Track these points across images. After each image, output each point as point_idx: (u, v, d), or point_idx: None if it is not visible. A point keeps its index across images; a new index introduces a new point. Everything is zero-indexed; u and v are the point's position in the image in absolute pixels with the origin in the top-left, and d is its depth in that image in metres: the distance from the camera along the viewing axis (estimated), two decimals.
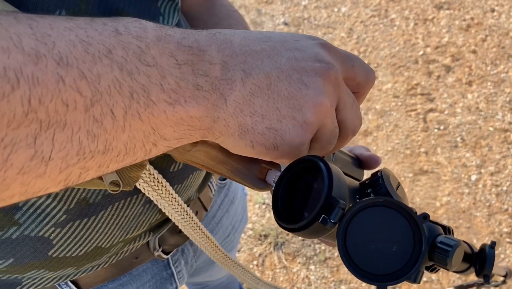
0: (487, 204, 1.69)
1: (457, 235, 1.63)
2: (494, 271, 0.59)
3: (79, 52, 0.23)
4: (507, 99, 1.98)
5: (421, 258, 0.33)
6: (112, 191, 0.36)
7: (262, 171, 0.43)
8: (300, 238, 1.66)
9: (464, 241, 0.49)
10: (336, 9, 2.40)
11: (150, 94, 0.25)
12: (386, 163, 1.82)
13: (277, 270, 1.58)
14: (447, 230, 0.44)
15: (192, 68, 0.28)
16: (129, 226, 0.45)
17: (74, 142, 0.23)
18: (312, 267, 1.58)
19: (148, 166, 0.42)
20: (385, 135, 1.91)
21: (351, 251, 0.32)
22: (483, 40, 2.18)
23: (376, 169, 0.42)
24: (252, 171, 0.43)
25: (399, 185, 0.38)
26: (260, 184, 0.44)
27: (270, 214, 1.71)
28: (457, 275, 1.54)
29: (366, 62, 2.19)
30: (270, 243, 1.63)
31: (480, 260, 0.47)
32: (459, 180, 1.76)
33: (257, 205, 1.75)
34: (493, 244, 0.47)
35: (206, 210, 0.59)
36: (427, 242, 0.39)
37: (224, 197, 0.67)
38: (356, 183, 0.38)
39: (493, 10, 2.29)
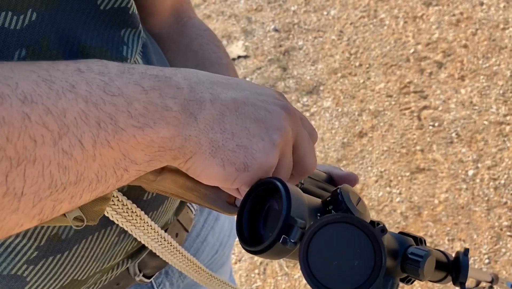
0: (486, 198, 1.69)
1: (456, 232, 1.63)
2: (479, 277, 0.59)
3: (42, 89, 0.24)
4: (501, 91, 1.98)
5: (382, 270, 0.33)
6: (76, 226, 0.36)
7: (231, 196, 0.44)
8: None
9: (439, 250, 0.49)
10: (325, 12, 2.41)
11: (118, 121, 0.27)
12: (382, 163, 1.83)
13: (279, 278, 1.58)
14: (419, 241, 0.45)
15: (159, 92, 0.29)
16: (105, 257, 0.46)
17: (46, 176, 0.24)
18: None
19: (121, 197, 0.43)
20: (380, 136, 1.91)
21: (314, 269, 0.32)
22: (474, 34, 2.18)
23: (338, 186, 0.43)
24: (221, 196, 0.44)
25: (359, 200, 0.38)
26: (230, 208, 0.44)
27: None
28: None
29: (357, 63, 2.20)
30: None
31: (456, 268, 0.47)
32: (456, 176, 1.76)
33: None
34: (466, 251, 0.48)
35: (187, 231, 0.59)
36: (387, 254, 0.40)
37: (207, 214, 0.68)
38: (318, 201, 0.38)
39: (482, 4, 2.29)
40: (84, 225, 0.37)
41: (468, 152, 1.81)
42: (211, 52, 0.61)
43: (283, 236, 0.33)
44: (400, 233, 0.45)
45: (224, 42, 2.38)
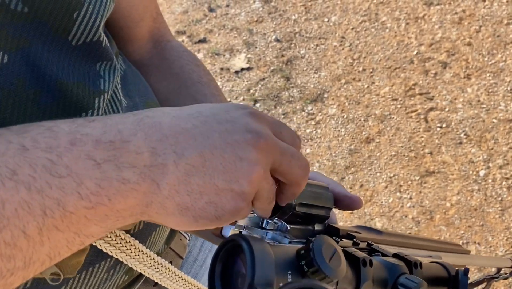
0: (499, 198, 1.66)
1: (470, 235, 1.60)
2: (499, 264, 0.58)
3: None
4: (508, 88, 1.94)
5: None
6: (52, 281, 0.36)
7: (216, 228, 0.44)
8: None
9: (441, 263, 0.48)
10: (326, 19, 2.41)
11: (66, 206, 0.25)
12: (391, 168, 1.80)
13: None
14: (413, 266, 0.44)
15: (115, 163, 0.27)
16: None
17: None
18: None
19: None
20: (388, 140, 1.89)
21: None
22: (477, 31, 2.16)
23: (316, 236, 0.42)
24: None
25: (334, 253, 0.37)
26: (216, 239, 0.44)
27: None
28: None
29: (361, 68, 2.19)
30: None
31: (455, 285, 0.46)
32: (468, 177, 1.73)
33: None
34: (466, 271, 0.47)
35: (181, 258, 0.59)
36: (375, 284, 0.39)
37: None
38: (292, 251, 0.37)
39: (484, 0, 2.26)
40: (62, 279, 0.37)
41: (478, 152, 1.78)
42: (191, 72, 0.61)
43: None
44: (395, 255, 0.44)
45: (227, 55, 2.39)
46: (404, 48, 2.18)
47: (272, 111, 2.10)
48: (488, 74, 2.00)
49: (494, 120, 1.86)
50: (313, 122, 2.02)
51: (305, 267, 0.35)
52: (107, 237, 0.42)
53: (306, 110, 2.07)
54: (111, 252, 0.43)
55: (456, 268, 0.48)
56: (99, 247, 0.42)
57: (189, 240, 0.62)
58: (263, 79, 2.25)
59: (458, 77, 2.02)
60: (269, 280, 0.33)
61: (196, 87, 0.61)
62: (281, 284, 0.32)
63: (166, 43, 0.63)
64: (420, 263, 0.45)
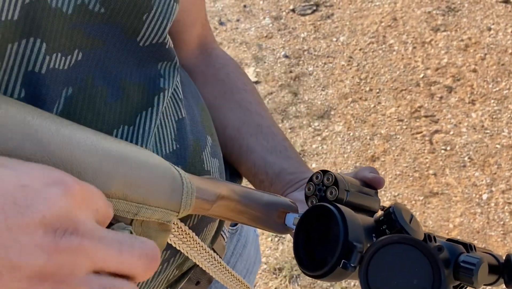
0: (501, 222, 1.68)
1: None
2: None
3: None
4: None
5: (442, 288, 0.34)
6: None
7: (280, 215, 0.45)
8: None
9: (489, 252, 0.49)
10: (334, 39, 2.46)
11: None
12: (395, 187, 1.83)
13: None
14: (469, 247, 0.45)
15: None
16: (149, 287, 0.47)
17: None
18: None
19: (176, 221, 0.44)
20: (393, 160, 1.92)
21: None
22: (483, 59, 2.21)
23: (388, 204, 0.43)
24: (270, 216, 0.45)
25: (412, 217, 0.39)
26: (280, 227, 0.45)
27: (283, 247, 1.72)
28: None
29: (368, 88, 2.23)
30: (285, 276, 1.63)
31: (507, 270, 0.47)
32: (471, 200, 1.75)
33: (270, 238, 1.75)
34: None
35: (220, 258, 0.60)
36: (447, 267, 0.40)
37: (236, 242, 0.69)
38: (371, 220, 0.39)
39: (489, 29, 2.33)
40: None
41: (481, 176, 1.81)
42: (237, 79, 0.63)
43: (342, 260, 0.34)
44: (449, 240, 0.45)
45: None
46: (410, 71, 2.22)
47: (279, 125, 2.13)
48: (492, 101, 2.05)
49: (498, 146, 1.89)
50: (319, 138, 2.05)
51: (387, 230, 0.36)
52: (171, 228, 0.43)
53: (313, 126, 2.10)
54: (174, 243, 0.44)
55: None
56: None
57: (226, 241, 0.64)
58: (271, 93, 2.28)
59: (463, 102, 2.06)
60: (360, 238, 0.34)
61: (242, 95, 0.62)
62: (368, 245, 0.33)
63: (212, 50, 0.65)
64: (474, 246, 0.46)
